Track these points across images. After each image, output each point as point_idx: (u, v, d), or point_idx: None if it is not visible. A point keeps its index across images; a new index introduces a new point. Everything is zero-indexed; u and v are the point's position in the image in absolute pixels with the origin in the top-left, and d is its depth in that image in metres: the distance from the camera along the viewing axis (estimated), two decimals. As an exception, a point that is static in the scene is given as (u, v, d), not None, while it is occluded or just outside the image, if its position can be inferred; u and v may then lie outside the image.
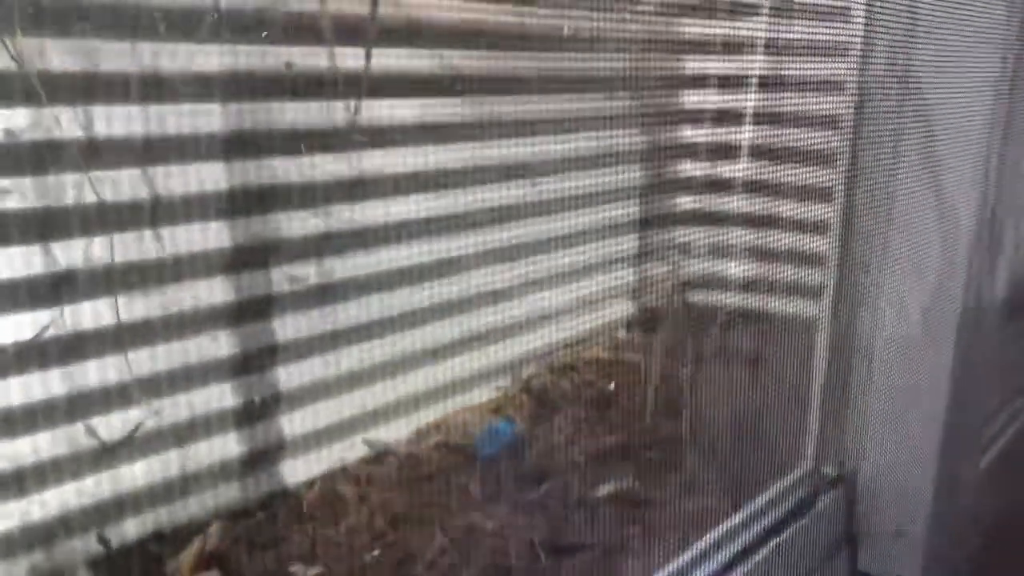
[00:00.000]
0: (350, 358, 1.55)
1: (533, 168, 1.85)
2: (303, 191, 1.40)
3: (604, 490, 1.46)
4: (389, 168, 1.53)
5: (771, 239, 2.03)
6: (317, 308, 1.48)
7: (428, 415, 1.69)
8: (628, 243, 2.19)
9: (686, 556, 0.93)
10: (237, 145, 1.29)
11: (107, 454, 1.20)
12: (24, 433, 1.12)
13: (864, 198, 1.06)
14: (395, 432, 1.63)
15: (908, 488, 1.12)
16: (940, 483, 1.09)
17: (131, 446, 1.23)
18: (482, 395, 1.80)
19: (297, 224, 1.40)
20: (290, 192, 1.38)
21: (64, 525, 1.18)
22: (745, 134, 2.02)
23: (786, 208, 1.99)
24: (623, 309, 2.20)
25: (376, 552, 1.29)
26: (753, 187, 2.01)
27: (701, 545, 0.94)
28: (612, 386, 1.80)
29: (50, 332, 1.10)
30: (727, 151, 2.08)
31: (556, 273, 1.99)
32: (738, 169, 2.14)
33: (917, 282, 1.06)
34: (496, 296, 1.83)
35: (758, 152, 2.09)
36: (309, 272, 1.44)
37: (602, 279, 2.15)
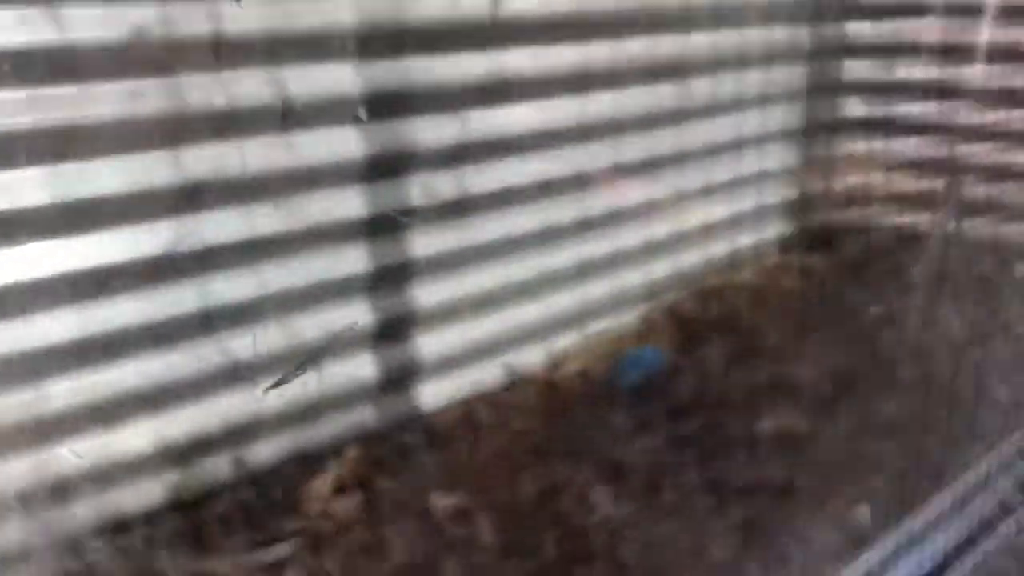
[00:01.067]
0: (488, 277, 1.45)
1: (687, 67, 1.68)
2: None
3: (767, 426, 1.32)
4: (533, 68, 1.40)
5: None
6: (455, 223, 1.38)
7: (567, 340, 1.58)
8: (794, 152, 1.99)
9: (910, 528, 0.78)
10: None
11: (243, 374, 1.15)
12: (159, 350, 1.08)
13: None
14: (534, 357, 1.54)
15: None
16: None
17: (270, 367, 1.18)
18: (625, 320, 1.67)
19: (433, 131, 1.30)
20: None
21: (201, 446, 1.14)
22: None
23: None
24: (779, 229, 2.02)
25: (519, 482, 1.20)
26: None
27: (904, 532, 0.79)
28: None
29: (182, 246, 1.04)
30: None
31: (709, 187, 1.82)
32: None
33: None
34: (641, 212, 1.69)
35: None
36: (446, 184, 1.33)
37: (757, 195, 1.96)
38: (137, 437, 1.08)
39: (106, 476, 1.03)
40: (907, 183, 1.84)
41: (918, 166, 1.85)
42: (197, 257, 1.09)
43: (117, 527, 1.00)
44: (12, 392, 0.99)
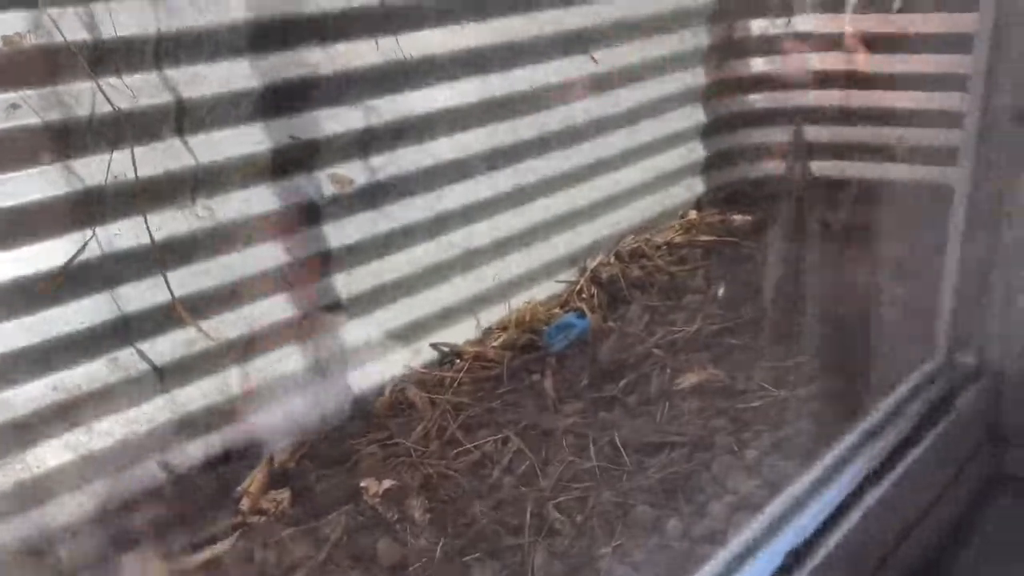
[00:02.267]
0: (407, 260, 1.46)
1: (590, 38, 1.69)
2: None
3: (686, 381, 1.36)
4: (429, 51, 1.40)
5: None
6: (369, 210, 1.39)
7: (493, 314, 1.61)
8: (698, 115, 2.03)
9: (812, 475, 0.82)
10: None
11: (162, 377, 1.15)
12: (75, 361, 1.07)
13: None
14: (463, 333, 1.56)
15: None
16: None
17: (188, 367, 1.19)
18: (548, 289, 1.70)
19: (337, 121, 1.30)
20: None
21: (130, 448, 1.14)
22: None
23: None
24: (697, 186, 2.06)
25: (450, 459, 1.23)
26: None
27: (826, 463, 0.83)
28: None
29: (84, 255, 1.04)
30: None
31: (620, 153, 1.85)
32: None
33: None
34: (556, 183, 1.71)
35: None
36: (355, 172, 1.34)
37: (673, 154, 2.00)
38: (61, 449, 1.08)
39: (27, 493, 1.03)
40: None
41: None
42: (106, 264, 1.09)
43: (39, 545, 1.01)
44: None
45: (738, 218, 1.93)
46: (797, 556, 0.74)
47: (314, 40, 1.25)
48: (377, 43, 1.31)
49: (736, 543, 0.74)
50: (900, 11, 1.86)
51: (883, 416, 0.91)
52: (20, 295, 1.01)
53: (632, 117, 1.85)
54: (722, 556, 0.72)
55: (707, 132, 2.04)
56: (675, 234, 1.92)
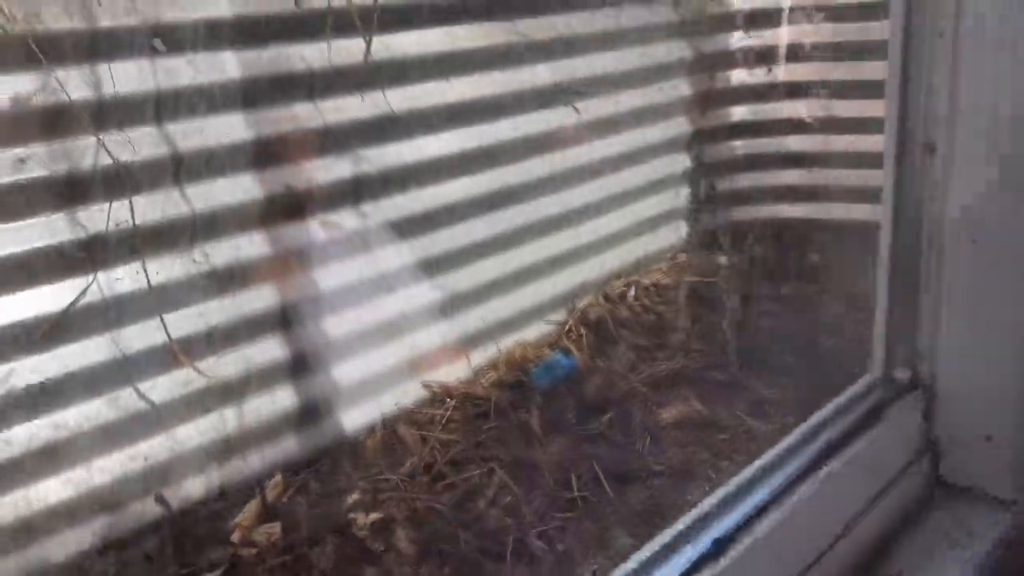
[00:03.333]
0: (398, 301, 1.52)
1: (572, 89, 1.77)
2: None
3: (668, 415, 1.41)
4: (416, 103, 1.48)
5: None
6: (359, 253, 1.45)
7: (483, 354, 1.66)
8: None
9: (746, 474, 0.87)
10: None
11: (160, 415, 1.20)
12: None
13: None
14: (453, 374, 1.61)
15: (993, 388, 1.03)
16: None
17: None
18: (538, 330, 1.75)
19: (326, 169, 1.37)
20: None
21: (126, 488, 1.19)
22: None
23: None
24: (683, 229, 2.12)
25: (437, 492, 1.27)
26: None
27: (761, 463, 0.88)
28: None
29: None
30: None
31: (608, 197, 1.91)
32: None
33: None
34: (545, 226, 1.77)
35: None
36: (344, 216, 1.40)
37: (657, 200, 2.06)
38: (61, 485, 1.13)
39: (28, 528, 1.07)
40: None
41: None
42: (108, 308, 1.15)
43: None
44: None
45: (723, 259, 1.99)
46: (723, 544, 0.78)
47: (303, 95, 1.32)
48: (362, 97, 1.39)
49: (666, 534, 0.78)
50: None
51: (819, 421, 0.96)
52: (24, 336, 1.07)
53: (617, 164, 1.92)
54: (651, 545, 0.77)
55: (691, 177, 2.11)
56: (662, 275, 1.97)
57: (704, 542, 0.78)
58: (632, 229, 1.97)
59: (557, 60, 1.75)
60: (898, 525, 0.99)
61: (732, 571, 0.77)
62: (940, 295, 0.99)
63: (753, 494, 0.84)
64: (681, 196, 2.09)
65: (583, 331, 1.73)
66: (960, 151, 0.96)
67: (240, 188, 1.27)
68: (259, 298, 1.33)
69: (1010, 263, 0.96)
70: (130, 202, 1.09)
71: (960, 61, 0.94)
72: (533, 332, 1.75)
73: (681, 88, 2.05)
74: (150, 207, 1.15)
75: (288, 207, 1.33)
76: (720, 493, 0.84)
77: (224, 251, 1.26)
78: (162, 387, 1.21)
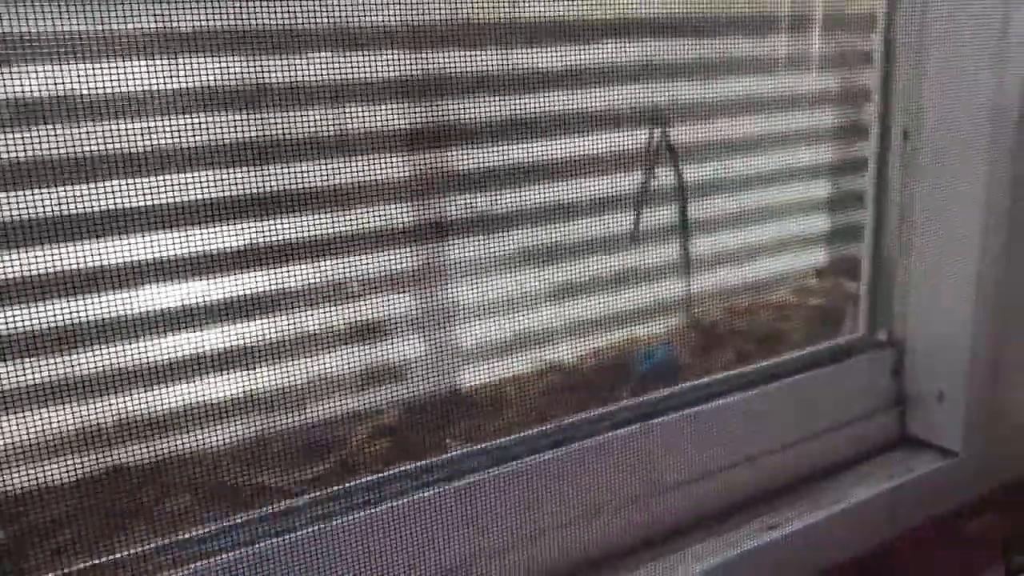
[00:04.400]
0: (528, 283, 1.77)
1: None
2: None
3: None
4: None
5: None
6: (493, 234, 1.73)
7: (597, 341, 1.86)
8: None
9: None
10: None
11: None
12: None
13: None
14: (568, 353, 1.83)
15: (947, 349, 1.11)
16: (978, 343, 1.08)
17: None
18: (652, 328, 1.92)
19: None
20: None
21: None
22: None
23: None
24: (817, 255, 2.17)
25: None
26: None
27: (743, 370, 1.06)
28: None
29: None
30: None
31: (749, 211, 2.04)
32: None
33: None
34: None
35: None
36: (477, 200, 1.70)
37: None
38: None
39: None
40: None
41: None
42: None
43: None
44: None
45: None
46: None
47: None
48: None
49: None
50: None
51: (797, 366, 1.11)
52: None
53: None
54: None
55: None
56: (793, 295, 2.06)
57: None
58: (771, 246, 2.08)
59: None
60: (856, 460, 1.10)
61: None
62: (910, 264, 1.09)
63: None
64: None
65: (694, 334, 1.89)
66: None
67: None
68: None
69: (961, 236, 1.06)
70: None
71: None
72: (649, 330, 1.92)
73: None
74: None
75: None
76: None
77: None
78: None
